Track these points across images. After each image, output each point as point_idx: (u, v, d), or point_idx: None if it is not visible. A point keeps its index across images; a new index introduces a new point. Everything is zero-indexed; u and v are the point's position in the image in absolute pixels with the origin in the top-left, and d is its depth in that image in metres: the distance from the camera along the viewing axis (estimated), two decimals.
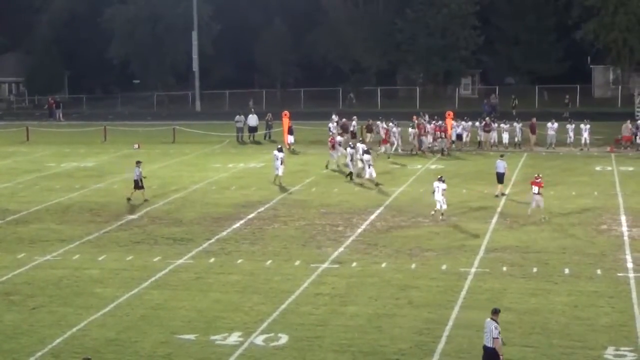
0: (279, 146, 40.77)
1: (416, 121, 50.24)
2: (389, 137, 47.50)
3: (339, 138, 44.63)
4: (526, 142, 49.54)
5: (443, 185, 30.48)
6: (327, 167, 42.95)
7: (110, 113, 77.17)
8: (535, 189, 30.11)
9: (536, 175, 31.00)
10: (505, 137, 49.76)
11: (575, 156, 46.28)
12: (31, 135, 58.86)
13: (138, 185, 34.67)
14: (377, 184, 37.33)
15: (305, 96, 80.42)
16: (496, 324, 15.96)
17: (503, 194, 34.51)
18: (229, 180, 40.32)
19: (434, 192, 30.63)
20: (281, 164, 38.16)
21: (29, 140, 57.80)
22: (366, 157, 38.07)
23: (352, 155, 39.89)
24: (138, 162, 35.42)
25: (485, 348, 16.05)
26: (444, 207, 30.53)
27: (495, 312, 16.28)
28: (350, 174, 39.39)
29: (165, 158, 48.17)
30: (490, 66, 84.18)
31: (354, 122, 52.01)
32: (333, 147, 43.57)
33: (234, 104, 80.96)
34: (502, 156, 36.02)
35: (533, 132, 49.35)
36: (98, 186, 38.70)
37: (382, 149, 46.93)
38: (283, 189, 37.16)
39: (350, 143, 42.36)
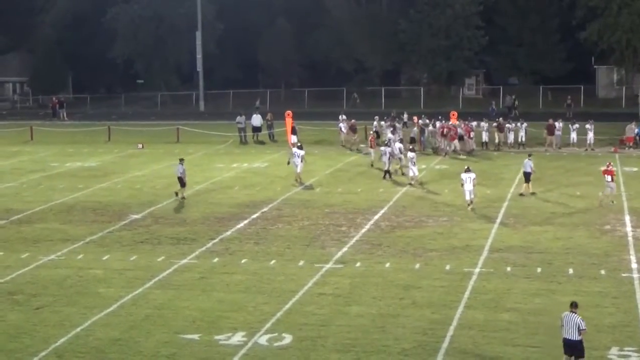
0: (299, 144, 40.96)
1: (420, 121, 50.31)
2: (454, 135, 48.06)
3: (389, 135, 44.46)
4: (530, 143, 49.47)
5: (473, 175, 31.75)
6: (372, 165, 42.86)
7: (113, 113, 77.25)
8: (609, 178, 32.13)
9: (608, 163, 33.51)
10: (511, 137, 49.66)
11: (580, 156, 46.23)
12: (35, 135, 58.95)
13: (182, 182, 35.00)
14: (420, 183, 37.21)
15: (309, 96, 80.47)
16: (579, 317, 16.46)
17: (533, 193, 34.51)
18: (233, 180, 40.33)
19: (462, 185, 31.91)
20: (301, 161, 38.34)
21: (33, 140, 57.89)
22: (410, 154, 37.68)
23: (389, 154, 39.61)
24: (181, 160, 35.90)
25: (567, 341, 16.49)
26: (473, 197, 31.71)
27: (576, 306, 16.72)
28: (387, 172, 39.16)
29: (169, 158, 48.12)
30: (494, 66, 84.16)
31: (375, 123, 51.79)
32: (372, 145, 44.10)
33: (238, 104, 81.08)
34: (529, 156, 36.00)
35: (551, 133, 49.07)
36: (102, 186, 38.72)
37: (453, 146, 47.57)
38: (303, 186, 37.38)
39: (388, 140, 42.35)
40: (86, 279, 23.88)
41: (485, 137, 49.62)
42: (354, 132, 50.41)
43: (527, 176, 34.84)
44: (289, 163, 39.89)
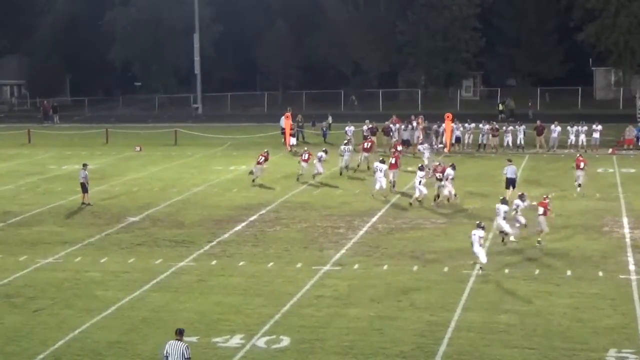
0: (381, 158, 37.42)
1: (422, 123, 50.36)
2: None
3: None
4: (529, 145, 49.53)
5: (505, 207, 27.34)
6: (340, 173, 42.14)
7: (111, 115, 77.25)
8: (541, 210, 27.61)
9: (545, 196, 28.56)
10: (508, 139, 49.67)
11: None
12: (33, 137, 58.93)
13: (84, 188, 34.70)
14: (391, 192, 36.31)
15: (307, 98, 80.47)
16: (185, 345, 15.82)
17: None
18: (231, 182, 40.32)
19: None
20: (384, 175, 34.90)
21: (31, 143, 57.86)
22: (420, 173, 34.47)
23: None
24: (84, 165, 35.81)
25: None
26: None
27: (181, 333, 16.01)
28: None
29: (166, 160, 48.23)
30: (492, 68, 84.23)
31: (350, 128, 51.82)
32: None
33: (236, 107, 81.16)
34: (510, 161, 35.52)
35: (540, 134, 49.19)
36: (99, 188, 38.64)
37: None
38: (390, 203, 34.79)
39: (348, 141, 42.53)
40: (84, 282, 23.87)
41: (482, 139, 49.71)
42: (373, 134, 50.11)
43: (511, 182, 34.16)
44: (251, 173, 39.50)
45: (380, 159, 36.68)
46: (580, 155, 38.70)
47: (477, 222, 25.07)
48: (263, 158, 39.45)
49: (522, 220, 27.53)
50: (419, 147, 44.74)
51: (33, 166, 47.01)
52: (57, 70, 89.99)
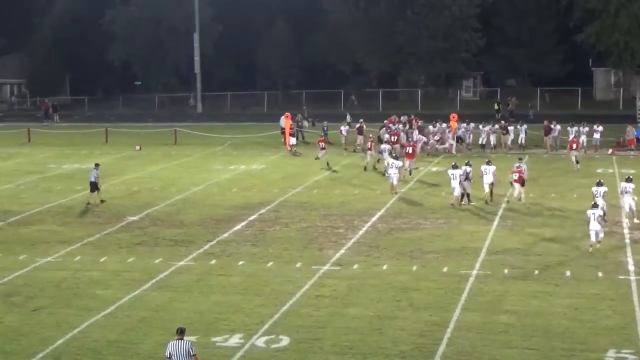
0: (395, 154, 38.98)
1: (417, 123, 50.55)
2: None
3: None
4: (529, 145, 49.61)
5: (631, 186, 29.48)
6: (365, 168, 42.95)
7: (111, 114, 77.27)
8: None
9: None
10: (509, 138, 49.80)
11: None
12: (32, 136, 58.96)
13: (95, 186, 34.55)
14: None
15: (306, 98, 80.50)
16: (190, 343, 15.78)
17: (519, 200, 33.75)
18: (230, 182, 40.33)
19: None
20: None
21: (31, 142, 57.88)
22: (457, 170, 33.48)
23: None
24: (96, 165, 35.50)
25: None
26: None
27: (182, 332, 15.88)
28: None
29: (166, 159, 48.23)
30: (492, 68, 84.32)
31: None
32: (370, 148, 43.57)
33: (235, 106, 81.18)
34: (520, 159, 35.95)
35: (547, 134, 49.29)
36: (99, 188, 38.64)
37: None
38: (397, 196, 35.66)
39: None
40: (83, 281, 23.85)
41: (482, 139, 49.82)
42: (361, 133, 50.23)
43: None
44: (317, 158, 44.07)
45: (394, 155, 38.98)
46: (575, 137, 45.08)
47: (593, 202, 26.85)
48: (323, 144, 44.93)
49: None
50: (381, 147, 43.40)
51: (33, 165, 47.02)
52: (57, 69, 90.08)
